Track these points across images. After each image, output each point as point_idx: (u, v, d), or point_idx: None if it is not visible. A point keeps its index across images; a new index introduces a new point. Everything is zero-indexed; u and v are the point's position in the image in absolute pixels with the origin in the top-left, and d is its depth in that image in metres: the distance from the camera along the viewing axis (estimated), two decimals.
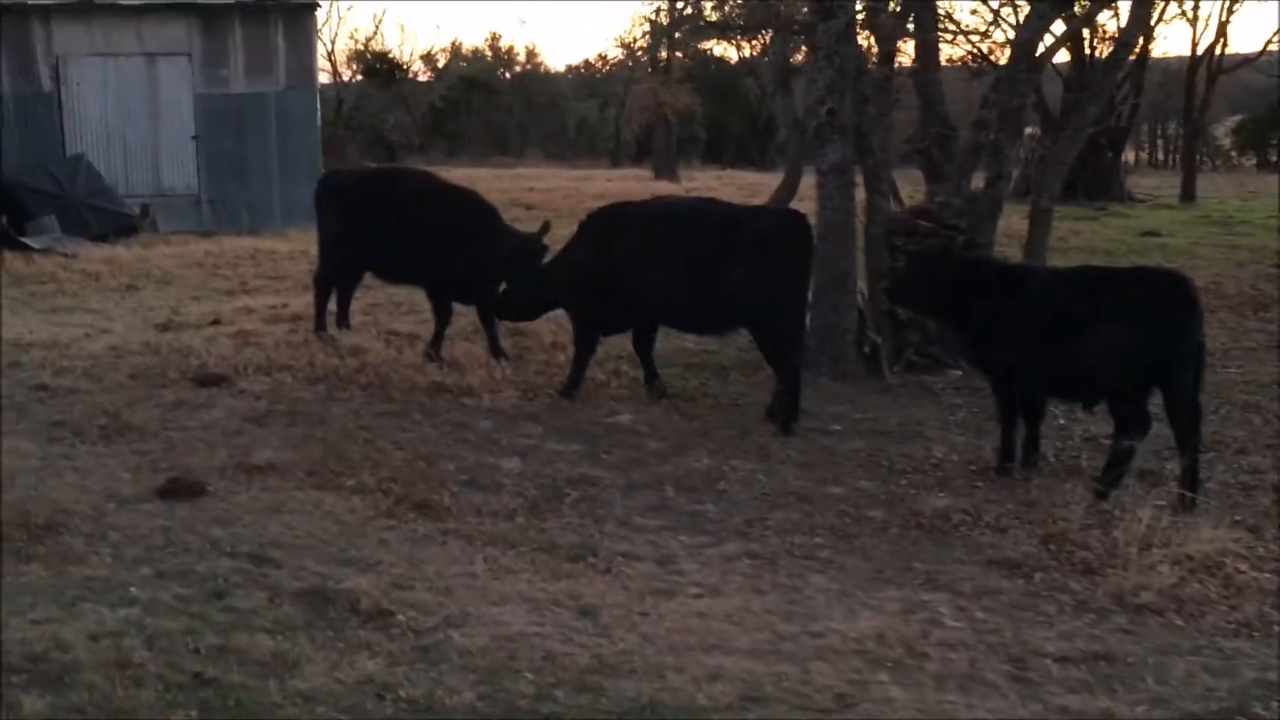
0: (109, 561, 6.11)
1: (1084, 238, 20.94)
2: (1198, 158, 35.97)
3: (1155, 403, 7.76)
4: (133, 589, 5.75)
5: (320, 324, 11.92)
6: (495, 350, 11.21)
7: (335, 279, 12.08)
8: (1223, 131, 53.68)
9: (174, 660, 4.98)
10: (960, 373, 11.01)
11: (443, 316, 11.39)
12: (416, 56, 55.88)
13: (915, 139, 13.13)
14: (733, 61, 50.50)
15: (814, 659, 5.35)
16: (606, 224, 10.14)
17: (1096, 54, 28.14)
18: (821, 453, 8.80)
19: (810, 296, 9.97)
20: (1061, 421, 9.57)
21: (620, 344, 11.53)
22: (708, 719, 4.74)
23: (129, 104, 22.43)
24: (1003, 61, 12.78)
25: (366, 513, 7.14)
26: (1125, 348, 7.39)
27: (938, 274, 8.57)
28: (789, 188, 22.07)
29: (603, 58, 58.45)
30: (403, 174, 13.35)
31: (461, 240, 11.05)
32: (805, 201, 24.75)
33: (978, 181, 11.61)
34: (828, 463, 8.58)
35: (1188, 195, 32.33)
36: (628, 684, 5.04)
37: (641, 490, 7.89)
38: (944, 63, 15.03)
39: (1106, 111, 12.72)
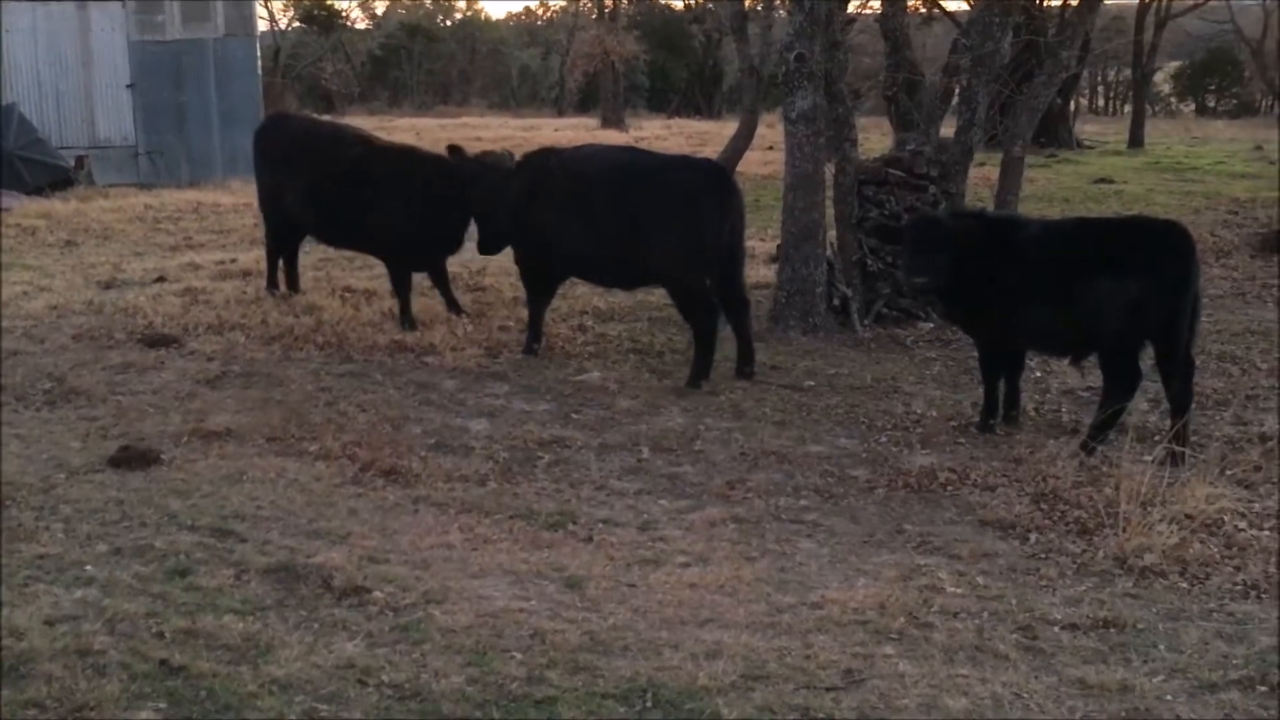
0: (61, 538, 5.76)
1: (1039, 186, 20.80)
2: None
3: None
4: (89, 568, 5.41)
5: (271, 281, 11.50)
6: (453, 306, 10.86)
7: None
8: (1161, 77, 53.83)
9: (138, 646, 4.66)
10: (932, 325, 10.83)
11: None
12: (354, 3, 54.78)
13: (884, 85, 12.85)
14: (679, 8, 49.92)
15: (815, 631, 5.12)
16: (535, 170, 9.73)
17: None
18: (797, 410, 8.56)
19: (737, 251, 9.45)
20: (1038, 374, 9.41)
21: (585, 298, 11.26)
22: (711, 700, 4.48)
23: (60, 52, 21.59)
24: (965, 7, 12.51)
25: (333, 480, 6.82)
26: (1124, 300, 7.18)
27: (933, 240, 7.88)
28: (745, 135, 21.69)
29: (544, 5, 57.64)
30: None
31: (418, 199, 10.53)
32: (758, 150, 24.56)
33: (947, 129, 11.37)
34: (804, 420, 8.35)
35: (1136, 141, 32.34)
36: (623, 663, 4.78)
37: (616, 451, 7.62)
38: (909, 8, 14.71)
39: (1081, 56, 12.52)
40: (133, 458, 6.88)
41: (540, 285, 9.88)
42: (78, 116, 21.80)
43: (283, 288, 11.47)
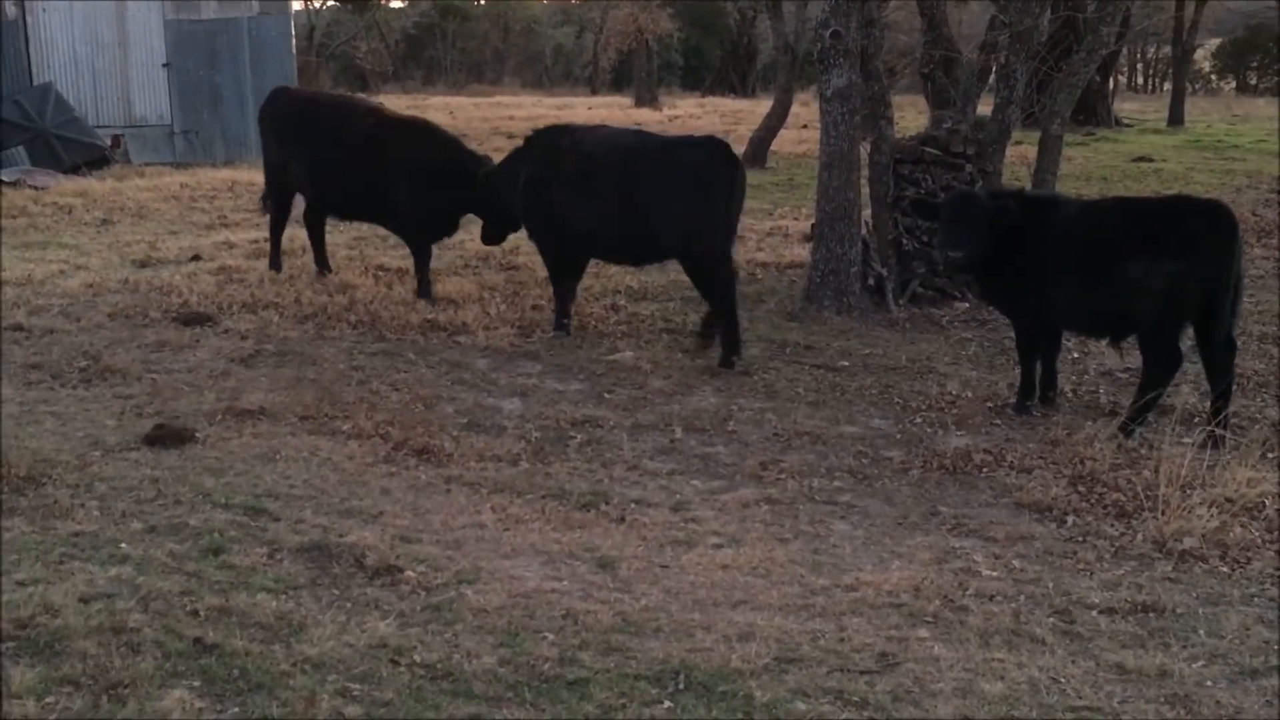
0: (97, 515, 5.77)
1: (1077, 164, 20.59)
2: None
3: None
4: (123, 545, 5.42)
5: (321, 259, 11.59)
6: (423, 291, 10.69)
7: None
8: (1202, 54, 53.17)
9: (172, 624, 4.67)
10: (967, 305, 10.74)
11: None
12: None
13: (920, 62, 12.72)
14: None
15: (849, 614, 5.08)
16: (546, 147, 9.85)
17: None
18: (831, 390, 8.51)
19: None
20: (1075, 355, 9.32)
21: (618, 277, 11.21)
22: (744, 683, 4.45)
23: (97, 31, 21.67)
24: None
25: (365, 459, 6.81)
26: (1164, 280, 7.08)
27: (970, 216, 7.83)
28: (779, 114, 21.56)
29: None
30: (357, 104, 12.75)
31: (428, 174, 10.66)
32: (793, 129, 24.41)
33: (984, 107, 11.24)
34: (838, 400, 8.30)
35: (1175, 119, 32.00)
36: (655, 644, 4.76)
37: (648, 431, 7.59)
38: None
39: (1121, 32, 12.31)
40: (167, 436, 6.90)
41: (561, 265, 9.90)
42: (113, 95, 21.89)
43: (284, 270, 11.52)
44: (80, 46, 21.60)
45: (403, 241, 11.32)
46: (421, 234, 10.86)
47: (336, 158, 10.95)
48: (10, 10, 21.17)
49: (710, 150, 9.28)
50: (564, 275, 9.90)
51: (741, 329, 9.23)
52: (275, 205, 11.74)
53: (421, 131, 11.06)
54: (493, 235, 10.72)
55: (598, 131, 10.24)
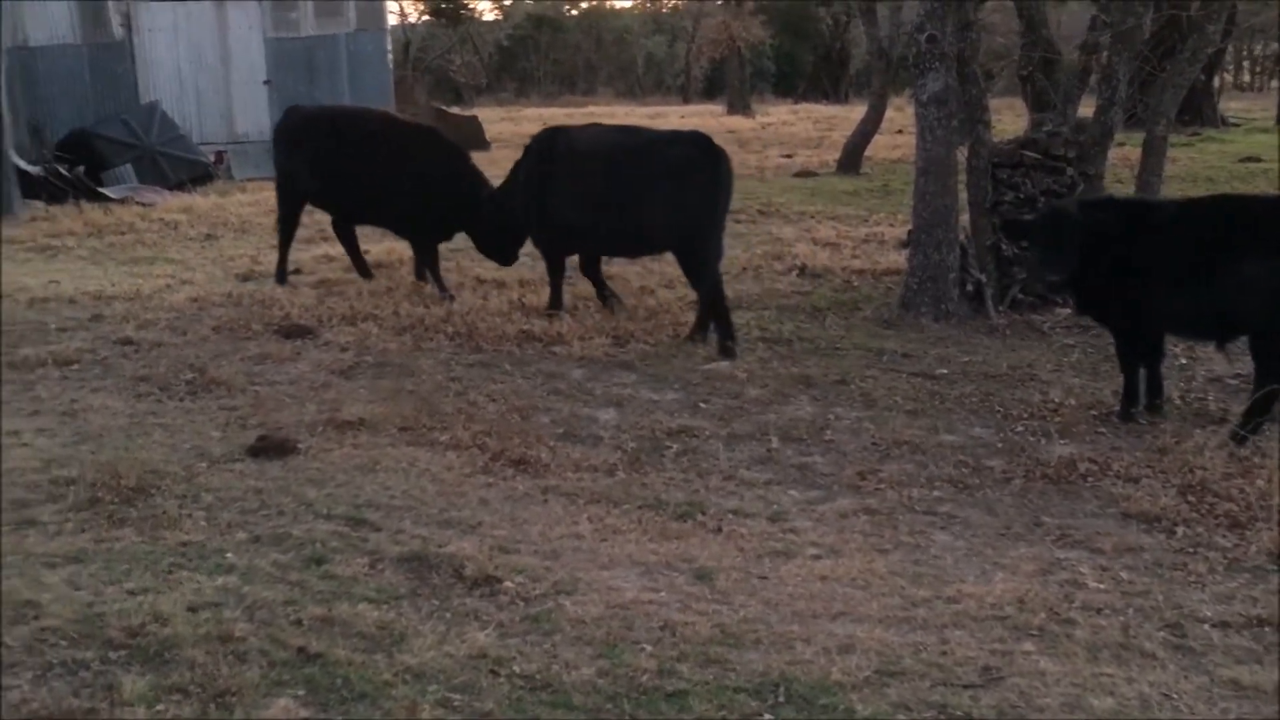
0: (203, 526, 5.89)
1: (1181, 165, 20.12)
2: None
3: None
4: (229, 555, 5.52)
5: (360, 267, 12.04)
6: (441, 288, 11.25)
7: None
8: None
9: (276, 633, 4.74)
10: (1069, 311, 10.52)
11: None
12: None
13: (1018, 65, 12.52)
14: None
15: (951, 627, 5.00)
16: (541, 149, 10.42)
17: None
18: (930, 398, 8.39)
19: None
20: (1183, 361, 9.09)
21: None
22: (845, 696, 4.40)
23: (200, 50, 22.23)
24: None
25: (463, 470, 6.86)
26: (1274, 281, 6.87)
27: (1064, 234, 7.63)
28: (873, 119, 21.38)
29: None
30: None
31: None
32: (887, 134, 24.20)
33: (1084, 109, 11.03)
34: (937, 409, 8.18)
35: None
36: (754, 656, 4.72)
37: (745, 441, 7.54)
38: None
39: (1227, 30, 11.99)
40: (270, 447, 7.01)
41: (558, 260, 10.55)
42: (216, 113, 22.41)
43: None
44: (185, 65, 22.16)
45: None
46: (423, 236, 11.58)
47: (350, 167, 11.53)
48: (119, 32, 21.78)
49: (694, 146, 9.62)
50: (559, 268, 10.57)
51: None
52: (284, 218, 12.13)
53: (427, 137, 11.78)
54: (502, 250, 11.30)
55: (590, 130, 10.80)
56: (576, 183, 10.02)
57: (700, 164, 9.52)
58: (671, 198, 9.49)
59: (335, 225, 12.31)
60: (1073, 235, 7.52)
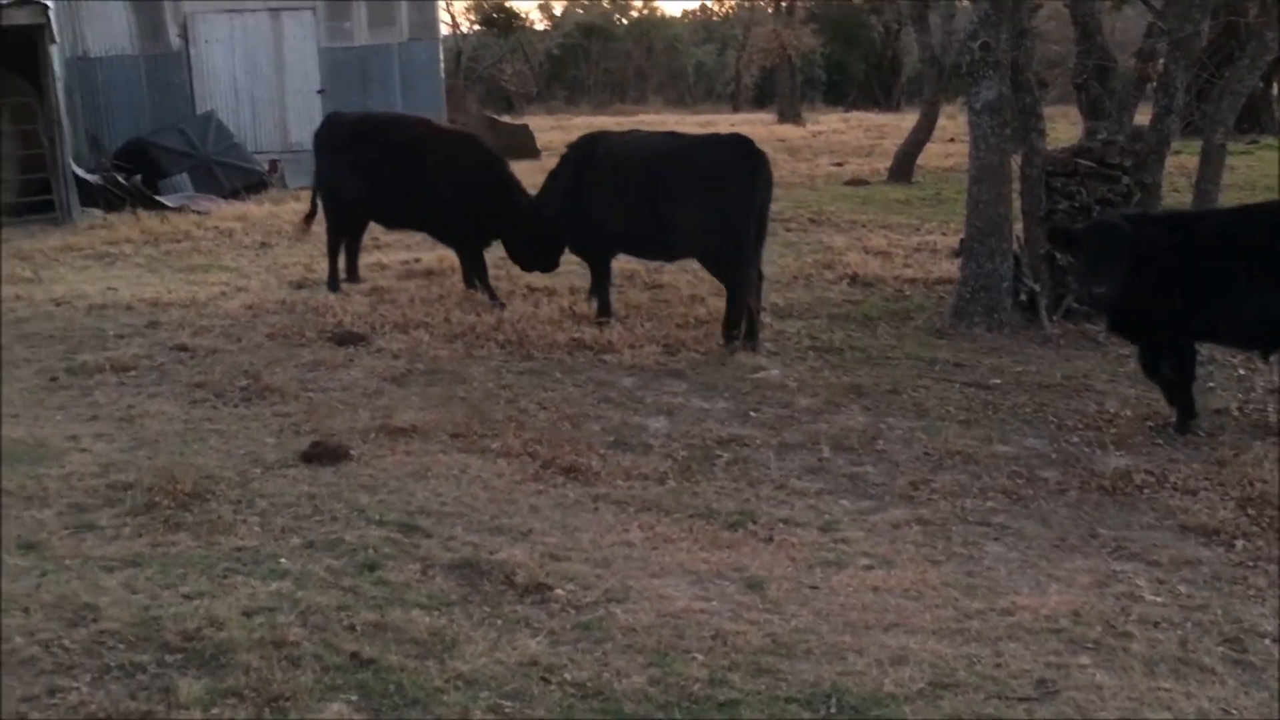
0: (257, 531, 5.94)
1: (1240, 174, 19.81)
2: None
3: None
4: (283, 561, 5.56)
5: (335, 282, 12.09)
6: (491, 295, 11.31)
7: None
8: None
9: (330, 639, 4.77)
10: None
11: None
12: (533, 5, 55.56)
13: (1073, 73, 12.40)
14: (856, 0, 49.22)
15: (1005, 639, 4.95)
16: (580, 154, 10.57)
17: None
18: (983, 408, 8.33)
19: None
20: (1241, 373, 8.96)
21: (762, 294, 11.12)
22: (898, 708, 4.37)
23: (255, 60, 22.48)
24: None
25: (514, 477, 6.89)
26: None
27: (1114, 247, 7.45)
28: (925, 128, 21.27)
29: (720, 1, 57.53)
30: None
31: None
32: (939, 143, 24.05)
33: (1139, 117, 10.91)
34: (991, 419, 8.11)
35: None
36: (805, 666, 4.70)
37: (796, 450, 7.52)
38: None
39: None
40: (323, 453, 7.07)
41: (601, 264, 10.66)
42: (271, 122, 22.65)
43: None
44: (240, 75, 22.43)
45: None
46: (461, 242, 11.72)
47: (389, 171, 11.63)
48: (176, 43, 22.07)
49: (732, 149, 9.71)
50: (602, 272, 10.65)
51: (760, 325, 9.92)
52: (333, 227, 12.20)
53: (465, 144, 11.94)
54: (542, 257, 11.34)
55: (629, 135, 10.96)
56: (615, 186, 10.07)
57: (738, 166, 9.56)
58: (709, 199, 9.53)
59: (328, 230, 12.36)
60: (1123, 249, 7.36)
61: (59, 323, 10.57)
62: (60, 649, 4.62)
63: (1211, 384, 8.77)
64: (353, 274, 12.30)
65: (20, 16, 16.54)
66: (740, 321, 9.71)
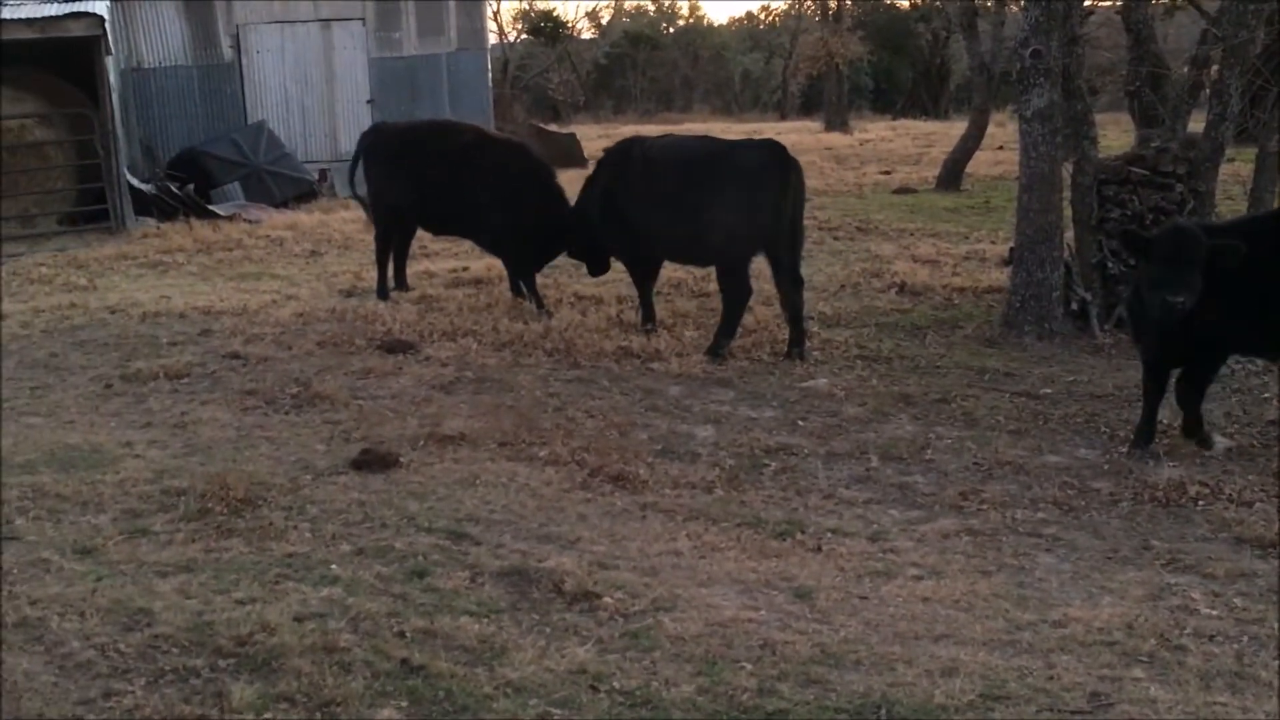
0: (308, 537, 5.99)
1: None
2: None
3: None
4: (334, 567, 5.61)
5: (385, 290, 12.11)
6: (538, 303, 11.32)
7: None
8: None
9: (380, 645, 4.80)
10: None
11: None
12: (580, 14, 55.73)
13: (1125, 80, 12.30)
14: (904, 7, 49.07)
15: (1057, 651, 4.91)
16: (618, 159, 10.62)
17: None
18: (1034, 418, 8.26)
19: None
20: None
21: (809, 303, 11.11)
22: (949, 719, 4.34)
23: (306, 70, 22.69)
24: None
25: (562, 485, 6.90)
26: None
27: (1192, 255, 6.95)
28: (975, 135, 21.15)
29: (766, 8, 57.48)
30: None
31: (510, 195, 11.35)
32: (988, 150, 23.89)
33: (1193, 125, 10.80)
34: (1041, 429, 8.05)
35: None
36: (855, 677, 4.68)
37: (844, 460, 7.49)
38: None
39: None
40: (373, 460, 7.12)
41: (642, 271, 10.69)
42: (321, 131, 22.85)
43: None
44: (291, 85, 22.64)
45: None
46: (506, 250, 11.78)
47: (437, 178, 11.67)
48: (228, 53, 22.32)
49: (763, 153, 9.74)
50: (642, 277, 10.68)
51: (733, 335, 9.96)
52: (381, 235, 12.22)
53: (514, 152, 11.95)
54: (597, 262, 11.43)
55: (665, 139, 10.98)
56: (650, 190, 10.10)
57: (769, 170, 9.59)
58: (736, 204, 9.56)
59: (377, 238, 12.37)
60: (1200, 257, 6.93)
61: (114, 330, 10.72)
62: (115, 653, 4.69)
63: (1267, 394, 8.66)
64: (401, 282, 12.36)
65: (76, 28, 16.79)
66: (734, 335, 9.85)
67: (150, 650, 4.71)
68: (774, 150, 9.72)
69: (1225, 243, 7.00)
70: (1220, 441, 7.56)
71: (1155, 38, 12.38)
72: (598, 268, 11.50)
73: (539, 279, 11.70)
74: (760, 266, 10.18)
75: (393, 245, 12.27)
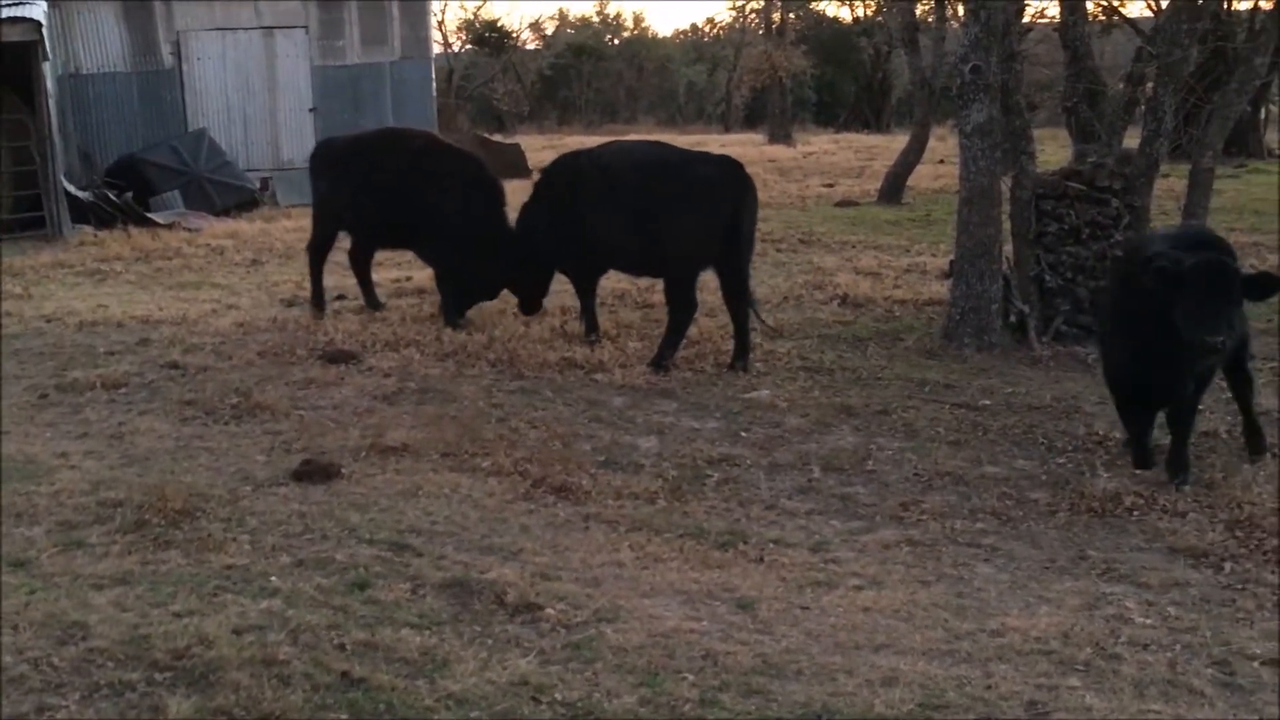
0: (247, 549, 5.93)
1: (1227, 197, 19.91)
2: None
3: None
4: (273, 579, 5.55)
5: (370, 299, 12.05)
6: (449, 318, 11.14)
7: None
8: None
9: (320, 657, 4.76)
10: None
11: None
12: (525, 25, 55.73)
13: (1063, 96, 12.48)
14: (847, 21, 49.51)
15: (995, 660, 4.96)
16: (566, 173, 10.62)
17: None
18: (973, 430, 8.35)
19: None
20: (1227, 396, 8.97)
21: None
22: None
23: (248, 78, 22.51)
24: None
25: (505, 496, 6.89)
26: None
27: (1230, 290, 6.67)
28: (915, 149, 21.38)
29: (711, 21, 57.74)
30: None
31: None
32: (929, 164, 24.15)
33: (1128, 140, 10.97)
34: (980, 440, 8.13)
35: None
36: (796, 687, 4.70)
37: (786, 471, 7.53)
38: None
39: (1274, 62, 11.88)
40: (314, 471, 7.06)
41: (585, 284, 10.75)
42: (263, 139, 22.67)
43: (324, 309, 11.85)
44: (232, 93, 22.45)
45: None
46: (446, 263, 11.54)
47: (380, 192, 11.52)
48: (168, 60, 22.10)
49: (720, 169, 9.78)
50: (588, 291, 10.75)
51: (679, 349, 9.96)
52: (316, 247, 12.05)
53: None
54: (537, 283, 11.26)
55: (615, 146, 11.04)
56: (605, 199, 10.08)
57: (727, 187, 9.68)
58: (696, 216, 9.62)
59: (352, 254, 12.20)
60: (1237, 292, 6.63)
61: (49, 339, 10.56)
62: (49, 667, 4.61)
63: (1200, 407, 8.79)
64: (372, 300, 12.08)
65: (13, 33, 16.56)
66: (678, 346, 9.87)
67: (85, 664, 4.64)
68: (732, 168, 9.77)
69: (1267, 273, 6.88)
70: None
71: (1092, 55, 12.57)
72: (531, 305, 11.28)
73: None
74: (706, 279, 10.22)
75: (325, 258, 12.06)
